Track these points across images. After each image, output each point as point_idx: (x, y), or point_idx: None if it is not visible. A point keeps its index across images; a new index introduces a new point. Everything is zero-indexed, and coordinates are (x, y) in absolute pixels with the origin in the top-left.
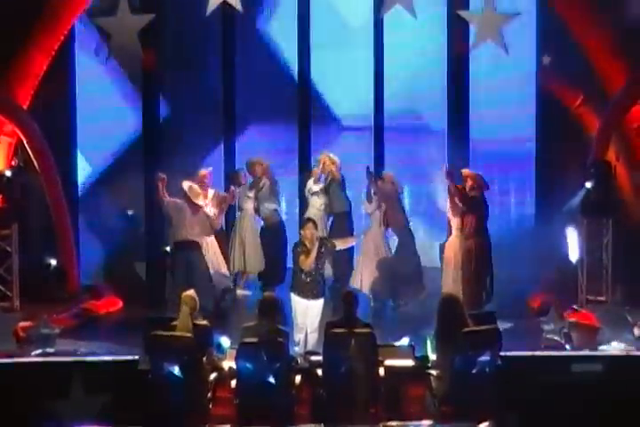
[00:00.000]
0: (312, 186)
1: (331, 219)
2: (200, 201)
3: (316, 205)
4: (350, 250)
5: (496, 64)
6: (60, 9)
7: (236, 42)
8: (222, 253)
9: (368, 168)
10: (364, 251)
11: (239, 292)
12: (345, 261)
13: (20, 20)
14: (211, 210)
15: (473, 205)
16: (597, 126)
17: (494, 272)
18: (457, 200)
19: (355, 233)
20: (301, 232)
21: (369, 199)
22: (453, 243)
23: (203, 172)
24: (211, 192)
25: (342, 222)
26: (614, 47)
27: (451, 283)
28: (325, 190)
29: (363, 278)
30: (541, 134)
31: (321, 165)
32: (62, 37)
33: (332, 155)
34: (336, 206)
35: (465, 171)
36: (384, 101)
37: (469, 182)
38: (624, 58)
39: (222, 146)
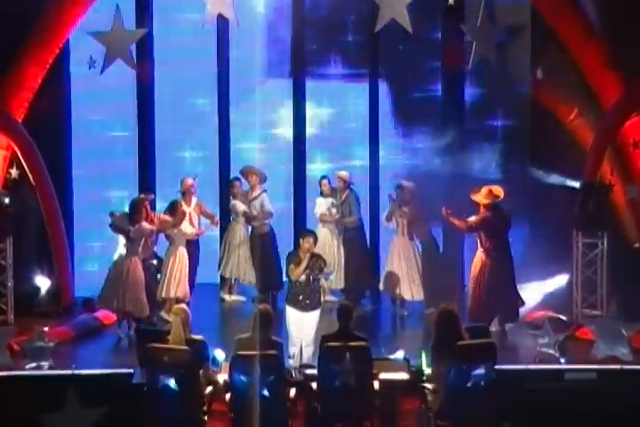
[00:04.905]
0: (321, 201)
1: (343, 234)
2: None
3: (327, 219)
4: (358, 262)
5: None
6: (55, 22)
7: None
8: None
9: (390, 195)
10: (390, 259)
11: (232, 298)
12: (355, 274)
13: (15, 33)
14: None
15: (481, 228)
16: (591, 140)
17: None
18: (465, 231)
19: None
20: (300, 242)
21: (387, 219)
22: (476, 260)
23: (189, 181)
24: (194, 200)
25: (355, 237)
26: (608, 61)
27: (471, 300)
28: (336, 205)
29: (392, 284)
30: (534, 148)
31: (330, 180)
32: (57, 50)
33: (341, 171)
34: (349, 221)
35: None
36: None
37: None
38: (618, 71)
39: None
